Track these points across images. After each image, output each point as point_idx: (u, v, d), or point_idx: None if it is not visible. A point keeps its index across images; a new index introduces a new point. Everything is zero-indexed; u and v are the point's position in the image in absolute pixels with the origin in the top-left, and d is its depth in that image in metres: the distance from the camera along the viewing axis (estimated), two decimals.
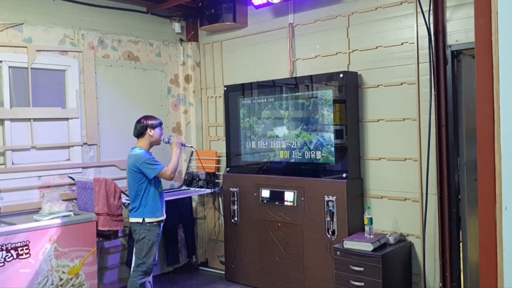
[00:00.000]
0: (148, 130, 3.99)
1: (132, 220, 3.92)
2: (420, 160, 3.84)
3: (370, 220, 3.81)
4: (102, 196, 4.01)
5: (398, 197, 3.99)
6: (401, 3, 3.90)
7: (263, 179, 4.61)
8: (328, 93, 4.17)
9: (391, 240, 3.82)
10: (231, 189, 4.86)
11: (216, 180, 5.21)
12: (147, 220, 3.88)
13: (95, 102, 4.73)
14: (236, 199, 4.83)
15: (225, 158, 5.14)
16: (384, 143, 4.06)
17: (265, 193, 4.58)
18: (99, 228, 4.02)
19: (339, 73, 4.09)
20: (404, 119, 3.94)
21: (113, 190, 4.07)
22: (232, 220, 4.85)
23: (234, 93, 4.96)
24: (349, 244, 3.74)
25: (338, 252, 3.81)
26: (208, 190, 5.07)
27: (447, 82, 3.66)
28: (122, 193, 4.22)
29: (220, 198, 5.12)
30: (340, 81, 4.08)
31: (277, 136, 4.56)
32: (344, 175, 4.06)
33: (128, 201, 4.06)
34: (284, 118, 4.50)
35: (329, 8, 4.36)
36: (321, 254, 4.16)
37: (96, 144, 4.73)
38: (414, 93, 3.86)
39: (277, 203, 4.48)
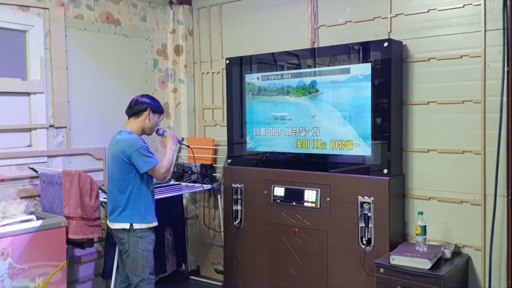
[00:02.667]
0: (148, 111, 3.09)
1: (114, 225, 3.01)
2: (484, 153, 3.05)
3: (424, 229, 3.00)
4: (75, 195, 3.06)
5: (452, 198, 3.19)
6: None
7: (277, 174, 3.74)
8: (365, 68, 3.32)
9: (447, 254, 3.03)
10: (233, 185, 3.97)
11: (213, 174, 4.31)
12: (136, 226, 2.98)
13: (65, 74, 3.73)
14: (240, 197, 3.95)
15: (224, 147, 4.25)
16: (435, 132, 3.25)
17: (279, 191, 3.71)
18: (70, 237, 3.08)
19: (381, 41, 3.23)
20: (463, 101, 3.13)
21: (89, 186, 3.13)
22: (235, 223, 3.97)
23: (239, 68, 4.05)
24: (397, 260, 2.92)
25: (382, 269, 2.99)
26: (207, 186, 4.16)
27: None
28: (100, 190, 3.27)
29: (219, 196, 4.21)
30: (384, 53, 3.22)
31: (295, 121, 3.69)
32: (385, 170, 3.23)
33: (106, 200, 3.14)
34: (305, 99, 3.63)
35: None
36: (352, 268, 3.33)
37: (65, 127, 3.74)
38: (479, 69, 3.05)
39: (294, 203, 3.62)
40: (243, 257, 3.94)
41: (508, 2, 2.89)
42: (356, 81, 3.37)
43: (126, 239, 3.00)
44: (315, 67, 3.64)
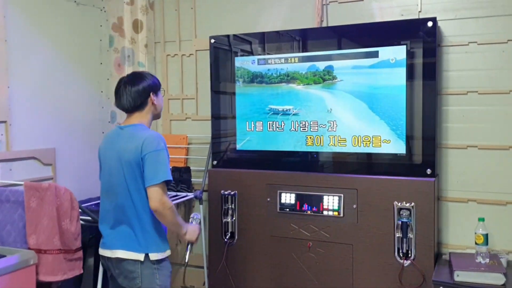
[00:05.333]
0: (152, 96, 2.29)
1: (120, 254, 2.17)
2: None
3: (486, 237, 2.60)
4: (49, 218, 2.14)
5: (495, 200, 2.85)
6: None
7: (284, 177, 3.10)
8: (398, 51, 2.83)
9: (504, 263, 2.68)
10: (223, 192, 3.25)
11: (190, 179, 3.51)
12: (153, 257, 2.17)
13: (4, 48, 2.69)
14: (232, 206, 3.24)
15: (199, 146, 3.51)
16: (475, 126, 2.88)
17: (288, 197, 3.08)
18: (43, 279, 2.14)
19: (424, 20, 2.77)
20: (510, 92, 2.79)
21: (69, 205, 2.21)
22: (225, 238, 3.25)
23: (228, 49, 3.32)
24: (463, 276, 2.48)
25: None
26: (188, 195, 3.35)
27: None
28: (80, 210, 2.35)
29: (201, 206, 3.43)
30: (427, 34, 2.76)
31: (304, 116, 3.09)
32: (428, 171, 2.78)
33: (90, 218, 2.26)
34: (318, 87, 3.04)
35: None
36: (386, 286, 2.84)
37: (4, 122, 2.71)
38: None
39: (309, 212, 3.02)
40: (236, 279, 3.24)
41: None
42: (386, 66, 2.86)
43: (138, 272, 2.17)
44: (326, 50, 3.07)
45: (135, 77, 2.34)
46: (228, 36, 3.30)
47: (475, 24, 2.85)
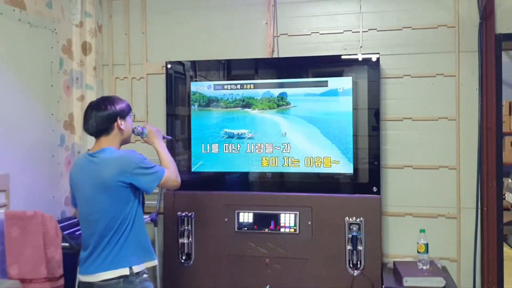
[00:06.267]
0: (118, 121, 2.33)
1: (102, 276, 2.19)
2: (458, 168, 3.19)
3: (427, 247, 2.97)
4: (34, 246, 2.08)
5: (428, 213, 3.25)
6: None
7: (241, 197, 3.25)
8: (346, 82, 3.15)
9: (439, 267, 3.06)
10: (179, 214, 3.31)
11: (144, 202, 3.50)
12: (136, 269, 2.22)
13: None
14: (190, 228, 3.31)
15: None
16: (410, 148, 3.27)
17: (246, 217, 3.23)
18: None
19: (369, 55, 3.13)
20: (438, 118, 3.23)
21: (54, 233, 2.17)
22: (181, 260, 3.30)
23: (183, 74, 3.43)
24: (411, 281, 2.81)
25: None
26: (145, 218, 3.35)
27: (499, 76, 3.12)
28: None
29: (155, 229, 3.44)
30: (370, 67, 3.12)
31: (259, 138, 3.28)
32: (374, 188, 3.11)
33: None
34: (273, 112, 3.26)
35: None
36: None
37: None
38: (453, 87, 3.20)
39: (266, 230, 3.20)
40: None
41: (483, 27, 3.11)
42: (335, 94, 3.18)
43: None
44: (280, 78, 3.32)
45: (102, 102, 2.35)
46: (183, 62, 3.42)
47: (409, 59, 3.26)
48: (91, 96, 3.61)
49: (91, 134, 2.34)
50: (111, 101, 2.37)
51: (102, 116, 2.29)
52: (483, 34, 3.10)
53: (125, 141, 2.44)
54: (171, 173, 2.39)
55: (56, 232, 2.16)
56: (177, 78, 3.44)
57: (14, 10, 2.95)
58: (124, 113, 2.38)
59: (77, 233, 2.83)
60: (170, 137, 2.86)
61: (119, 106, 2.36)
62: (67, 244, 2.33)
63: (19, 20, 3.00)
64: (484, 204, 3.14)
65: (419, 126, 3.26)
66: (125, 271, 2.18)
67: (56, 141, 3.34)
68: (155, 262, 2.36)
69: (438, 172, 3.24)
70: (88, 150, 2.40)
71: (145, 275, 2.30)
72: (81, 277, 2.27)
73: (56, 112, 3.33)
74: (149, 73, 3.65)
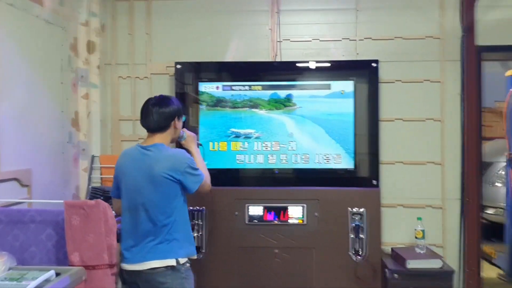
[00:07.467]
0: (176, 120, 2.47)
1: (148, 265, 2.30)
2: (443, 164, 3.59)
3: (424, 233, 3.32)
4: (96, 233, 2.15)
5: (417, 204, 3.62)
6: None
7: (251, 192, 3.44)
8: (348, 85, 3.45)
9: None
10: (191, 208, 3.43)
11: None
12: (182, 260, 2.35)
13: None
14: (201, 222, 3.45)
15: None
16: (401, 146, 3.63)
17: (256, 210, 3.42)
18: None
19: (369, 61, 3.45)
20: (426, 119, 3.61)
21: (112, 221, 2.25)
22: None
23: (192, 75, 3.57)
24: (413, 264, 3.15)
25: (396, 275, 3.16)
26: None
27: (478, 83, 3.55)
28: None
29: None
30: (371, 72, 3.44)
31: (266, 137, 3.49)
32: (374, 182, 3.42)
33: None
34: (279, 112, 3.49)
35: None
36: (344, 282, 3.36)
37: None
38: (438, 92, 3.60)
39: (275, 222, 3.41)
40: None
41: (465, 39, 3.53)
42: (338, 96, 3.47)
43: (170, 282, 2.29)
44: (286, 81, 3.55)
45: (164, 100, 2.48)
46: (192, 62, 3.56)
47: (400, 66, 3.62)
48: (95, 95, 3.66)
49: (149, 129, 2.44)
50: (172, 100, 2.50)
51: (164, 113, 2.41)
52: (465, 46, 3.53)
53: (173, 140, 2.56)
54: (207, 178, 2.54)
55: (113, 221, 2.25)
56: (186, 78, 3.57)
57: (34, 6, 2.96)
58: (180, 113, 2.51)
59: None
60: (200, 144, 2.96)
61: (178, 106, 2.49)
62: None
63: (37, 16, 3.01)
64: (465, 195, 3.55)
65: (408, 126, 3.63)
66: (172, 262, 2.31)
67: (65, 138, 3.36)
68: (195, 256, 2.50)
69: (426, 167, 3.62)
70: (140, 143, 2.51)
71: (188, 264, 2.44)
72: (126, 266, 2.35)
73: (65, 109, 3.34)
74: (153, 73, 3.74)
